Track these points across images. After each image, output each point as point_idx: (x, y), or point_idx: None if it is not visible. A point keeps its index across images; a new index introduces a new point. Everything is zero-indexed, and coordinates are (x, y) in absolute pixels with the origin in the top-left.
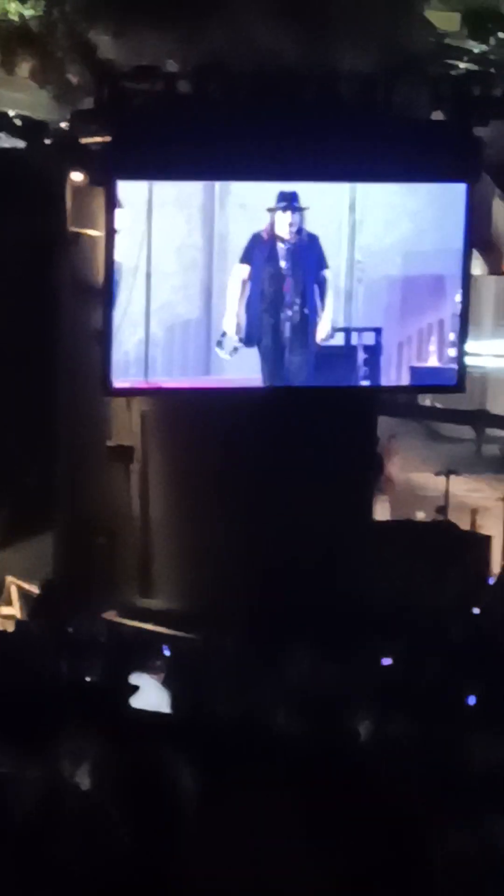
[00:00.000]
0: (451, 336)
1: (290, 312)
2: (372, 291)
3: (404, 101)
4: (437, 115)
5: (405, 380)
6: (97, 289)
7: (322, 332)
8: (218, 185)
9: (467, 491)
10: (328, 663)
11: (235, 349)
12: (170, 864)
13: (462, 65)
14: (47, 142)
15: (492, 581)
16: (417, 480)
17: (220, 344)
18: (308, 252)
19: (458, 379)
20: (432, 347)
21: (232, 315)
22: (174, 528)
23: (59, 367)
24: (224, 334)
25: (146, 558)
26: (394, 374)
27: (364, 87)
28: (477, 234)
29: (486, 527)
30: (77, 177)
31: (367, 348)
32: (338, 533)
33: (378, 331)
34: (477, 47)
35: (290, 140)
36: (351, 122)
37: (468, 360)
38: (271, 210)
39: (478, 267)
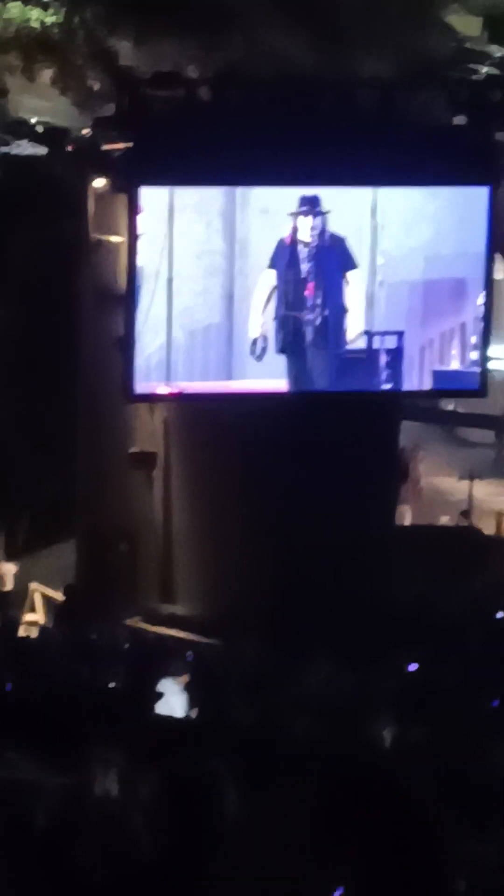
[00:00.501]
0: (474, 339)
1: (311, 316)
2: (394, 295)
3: (425, 106)
4: (459, 120)
5: (427, 384)
6: (119, 295)
7: (351, 333)
8: (239, 190)
9: (490, 495)
10: (349, 669)
11: (264, 350)
12: (191, 865)
13: (483, 69)
14: (69, 149)
15: None
16: (440, 485)
17: (252, 351)
18: (332, 255)
19: (480, 383)
20: (454, 351)
21: (257, 318)
22: (196, 534)
23: (81, 374)
24: (255, 341)
25: (168, 564)
26: (416, 378)
27: (385, 92)
28: (499, 238)
29: None
30: (99, 183)
31: (389, 352)
32: (360, 538)
33: (400, 334)
34: (498, 51)
35: (311, 145)
36: (372, 128)
37: (491, 365)
38: (293, 214)
39: (500, 271)
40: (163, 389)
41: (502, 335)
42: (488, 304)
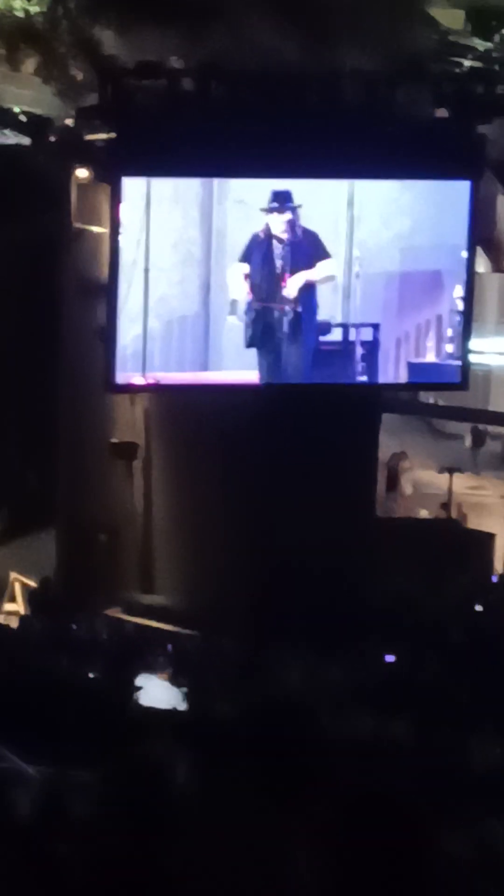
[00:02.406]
0: (449, 332)
1: (285, 309)
2: (370, 287)
3: (408, 99)
4: (441, 113)
5: (403, 376)
6: (100, 285)
7: (316, 272)
8: (216, 181)
9: (470, 489)
10: (329, 661)
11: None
12: (168, 862)
13: (466, 62)
14: (52, 138)
15: (495, 579)
16: (420, 478)
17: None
18: (305, 249)
19: (461, 376)
20: (430, 343)
21: (239, 283)
22: (177, 525)
23: (61, 364)
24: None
25: (148, 555)
26: (391, 371)
27: (368, 85)
28: (480, 232)
29: (489, 525)
30: (81, 173)
31: (364, 344)
32: (340, 530)
33: (376, 326)
34: (481, 45)
35: (292, 137)
36: (355, 120)
37: (472, 358)
38: (265, 210)
39: (481, 264)
40: (138, 379)
41: (482, 329)
42: (469, 298)
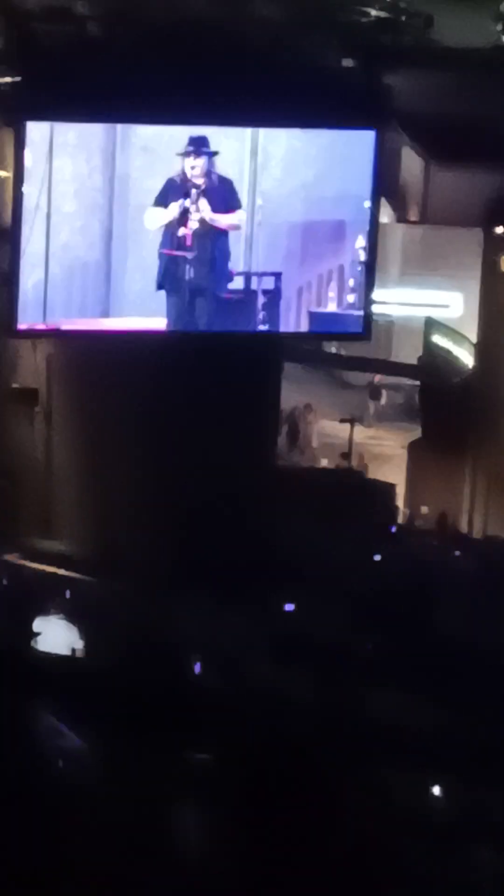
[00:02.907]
0: (352, 282)
1: (193, 255)
2: (272, 236)
3: (314, 48)
4: (347, 62)
5: (304, 325)
6: (2, 230)
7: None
8: (120, 127)
9: (370, 439)
10: (229, 610)
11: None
12: (59, 809)
13: (373, 12)
14: None
15: (394, 529)
16: (322, 428)
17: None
18: (221, 195)
19: (363, 326)
20: (332, 293)
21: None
22: (77, 472)
23: None
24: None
25: (49, 501)
26: (293, 320)
27: (274, 33)
28: (384, 182)
29: (389, 475)
30: None
31: (266, 293)
32: (241, 478)
33: (278, 276)
34: None
35: (198, 85)
36: (260, 68)
37: (375, 308)
38: (181, 155)
39: (384, 215)
40: (39, 326)
41: (386, 280)
42: (372, 248)
